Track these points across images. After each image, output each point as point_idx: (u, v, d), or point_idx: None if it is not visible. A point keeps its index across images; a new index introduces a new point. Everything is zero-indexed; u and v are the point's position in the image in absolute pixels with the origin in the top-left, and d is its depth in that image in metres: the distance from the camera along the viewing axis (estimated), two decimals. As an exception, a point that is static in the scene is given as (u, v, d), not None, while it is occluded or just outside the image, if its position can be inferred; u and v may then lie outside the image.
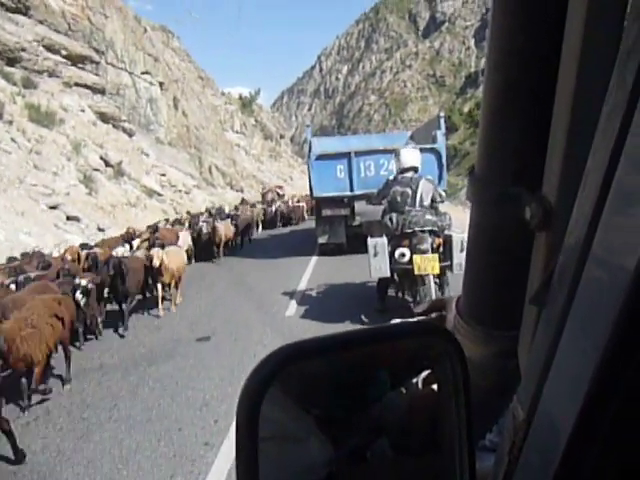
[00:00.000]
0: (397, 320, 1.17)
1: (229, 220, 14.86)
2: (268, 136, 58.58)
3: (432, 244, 5.71)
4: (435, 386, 0.62)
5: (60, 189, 17.94)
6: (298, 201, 24.59)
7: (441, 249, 5.80)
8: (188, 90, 41.71)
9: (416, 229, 5.70)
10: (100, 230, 17.17)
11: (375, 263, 5.96)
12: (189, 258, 11.18)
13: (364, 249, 9.10)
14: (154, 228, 12.68)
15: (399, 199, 5.90)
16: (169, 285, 7.84)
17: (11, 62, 22.42)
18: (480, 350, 0.62)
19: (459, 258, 5.51)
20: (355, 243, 11.27)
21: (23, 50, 23.06)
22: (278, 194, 28.94)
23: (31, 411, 4.36)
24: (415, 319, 0.99)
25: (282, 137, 65.47)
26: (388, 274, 6.00)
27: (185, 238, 11.73)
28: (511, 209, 0.52)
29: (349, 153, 10.95)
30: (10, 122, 19.40)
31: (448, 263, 5.71)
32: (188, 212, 20.26)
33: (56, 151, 20.32)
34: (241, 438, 0.46)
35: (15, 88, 21.68)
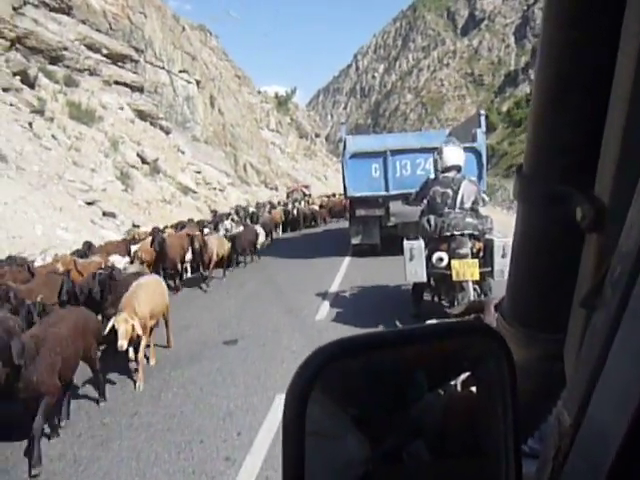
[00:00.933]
0: (433, 321, 1.24)
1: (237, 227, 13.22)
2: (303, 134, 58.59)
3: (472, 248, 5.38)
4: (474, 388, 0.62)
5: (97, 185, 18.19)
6: (321, 206, 23.62)
7: (481, 254, 5.45)
8: (225, 88, 42.00)
9: (455, 232, 5.37)
10: (135, 226, 17.32)
11: (411, 267, 5.66)
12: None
13: (398, 251, 8.76)
14: (155, 231, 10.60)
15: (439, 200, 5.58)
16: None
17: (54, 61, 22.91)
18: (523, 352, 0.61)
19: (501, 264, 5.14)
20: (389, 244, 10.95)
21: (65, 49, 23.54)
22: (304, 194, 28.15)
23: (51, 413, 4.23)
24: (451, 320, 1.07)
25: (317, 136, 65.41)
26: (424, 279, 5.68)
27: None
28: (561, 209, 0.51)
29: (385, 152, 10.64)
30: (51, 119, 19.78)
31: (489, 269, 5.35)
32: (214, 211, 19.87)
33: (94, 148, 20.64)
34: (288, 435, 0.47)
35: (57, 86, 22.14)
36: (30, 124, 18.10)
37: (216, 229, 13.33)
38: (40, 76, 21.09)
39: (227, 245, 10.96)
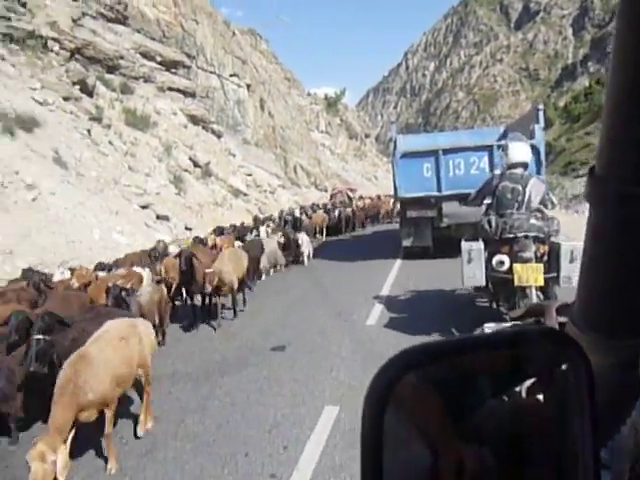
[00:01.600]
0: (491, 324, 1.32)
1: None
2: (353, 135, 58.31)
3: (536, 252, 4.99)
4: (541, 396, 0.60)
5: (151, 189, 18.62)
6: (363, 207, 22.72)
7: (545, 258, 5.05)
8: (274, 91, 42.34)
9: (518, 234, 5.00)
10: (187, 229, 17.64)
11: (469, 270, 5.34)
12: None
13: (452, 253, 8.42)
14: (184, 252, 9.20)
15: (509, 196, 5.21)
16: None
17: (111, 69, 23.68)
18: (596, 360, 0.59)
19: (567, 270, 4.75)
20: (442, 247, 10.59)
21: (121, 58, 24.29)
22: (349, 197, 26.28)
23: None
24: (509, 324, 1.08)
25: (367, 136, 64.98)
26: (483, 283, 5.35)
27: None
28: (635, 210, 0.51)
29: (437, 151, 10.30)
30: (108, 126, 20.44)
31: (554, 275, 4.94)
32: (255, 218, 18.52)
33: (149, 153, 21.18)
34: (366, 443, 0.48)
35: (114, 94, 22.87)
36: (89, 131, 18.75)
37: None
38: (98, 84, 21.83)
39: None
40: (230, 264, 7.40)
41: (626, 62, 0.51)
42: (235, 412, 4.19)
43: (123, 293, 5.70)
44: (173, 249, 10.67)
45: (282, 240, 11.70)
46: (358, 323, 6.54)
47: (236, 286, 7.42)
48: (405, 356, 0.51)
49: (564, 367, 0.54)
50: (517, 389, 0.65)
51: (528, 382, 0.64)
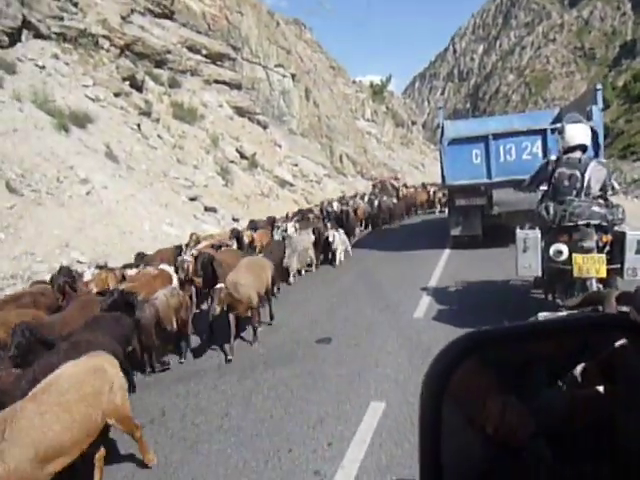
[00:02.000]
0: (545, 313, 1.45)
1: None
2: (399, 123, 57.47)
3: (598, 242, 4.66)
4: (600, 388, 0.56)
5: (199, 181, 18.91)
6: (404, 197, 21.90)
7: (607, 248, 4.71)
8: (319, 80, 42.15)
9: (579, 222, 4.68)
10: (235, 220, 17.82)
11: (524, 259, 5.05)
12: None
13: (503, 242, 8.09)
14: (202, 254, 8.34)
15: (566, 183, 4.88)
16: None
17: (159, 64, 24.13)
18: None
19: (633, 261, 4.42)
20: (492, 236, 10.25)
21: (169, 52, 24.70)
22: (394, 186, 24.68)
23: (149, 411, 4.27)
24: (564, 313, 1.25)
25: (414, 123, 63.91)
26: (539, 273, 5.06)
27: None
28: None
29: (486, 136, 9.90)
30: (157, 120, 20.86)
31: (617, 266, 4.61)
32: (287, 215, 16.40)
33: (196, 145, 21.51)
34: (425, 427, 0.48)
35: (162, 88, 23.31)
36: (138, 125, 19.18)
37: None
38: (147, 79, 22.29)
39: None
40: (249, 276, 6.05)
41: None
42: (279, 407, 4.14)
43: (130, 298, 5.17)
44: (205, 244, 9.88)
45: (313, 237, 10.40)
46: (405, 316, 6.37)
47: (256, 303, 5.98)
48: (464, 341, 0.51)
49: (630, 356, 0.51)
50: (576, 379, 0.61)
51: (588, 372, 0.60)
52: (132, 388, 4.32)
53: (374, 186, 26.08)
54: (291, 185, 25.28)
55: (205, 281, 6.58)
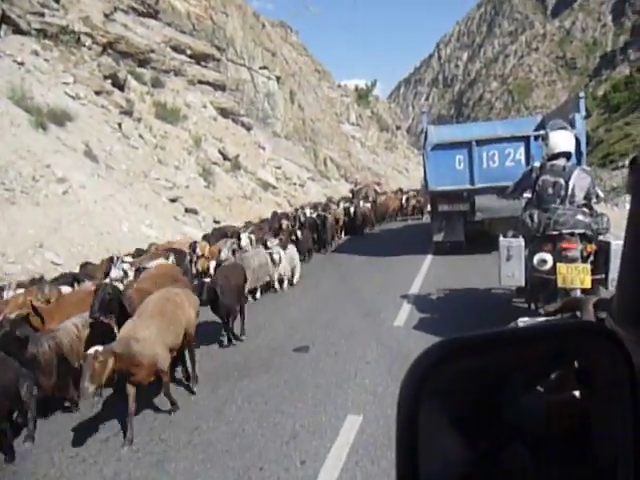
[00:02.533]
0: (525, 319, 1.46)
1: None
2: (384, 127, 57.61)
3: (582, 251, 4.57)
4: (577, 392, 0.58)
5: (180, 182, 18.63)
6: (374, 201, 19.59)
7: (591, 258, 4.62)
8: (304, 83, 42.05)
9: (563, 231, 4.58)
10: (216, 222, 17.58)
11: (507, 269, 4.95)
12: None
13: (485, 249, 8.02)
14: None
15: (550, 191, 4.76)
16: None
17: (142, 63, 23.81)
18: (636, 355, 0.57)
19: (617, 272, 4.32)
20: (475, 242, 10.20)
21: (152, 51, 24.40)
22: (376, 192, 23.55)
23: (114, 424, 4.06)
24: (543, 319, 1.17)
25: (398, 128, 64.13)
26: (522, 282, 4.96)
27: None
28: None
29: (470, 142, 9.86)
30: (139, 119, 20.53)
31: (602, 276, 4.51)
32: (247, 223, 14.52)
33: (178, 146, 21.21)
34: (402, 433, 0.48)
35: (145, 87, 22.99)
36: (119, 125, 18.85)
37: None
38: (129, 78, 21.95)
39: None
40: (153, 325, 4.15)
41: None
42: (252, 419, 3.96)
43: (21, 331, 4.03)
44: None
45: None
46: (386, 324, 6.24)
47: (166, 364, 4.14)
48: (441, 347, 0.50)
49: (604, 362, 0.51)
50: (553, 384, 0.60)
51: (564, 377, 0.59)
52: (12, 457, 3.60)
53: (355, 193, 23.61)
54: (274, 188, 25.09)
55: (117, 321, 4.83)
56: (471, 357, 0.52)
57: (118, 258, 8.04)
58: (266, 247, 8.79)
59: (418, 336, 5.52)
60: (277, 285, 8.83)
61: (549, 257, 4.60)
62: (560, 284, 4.45)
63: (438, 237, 10.85)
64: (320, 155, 36.34)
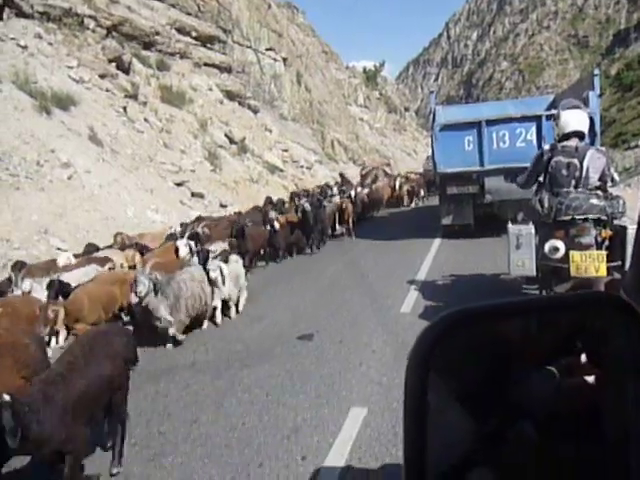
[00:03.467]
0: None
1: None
2: (392, 109, 56.97)
3: (597, 237, 4.33)
4: (590, 378, 0.57)
5: (186, 166, 18.48)
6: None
7: (606, 243, 4.37)
8: (312, 65, 41.50)
9: (576, 216, 4.33)
10: (222, 206, 17.47)
11: (517, 257, 4.73)
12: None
13: (495, 232, 7.81)
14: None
15: (564, 172, 4.49)
16: None
17: (147, 46, 23.52)
18: None
19: None
20: (484, 225, 10.00)
21: (157, 34, 24.07)
22: (386, 173, 21.98)
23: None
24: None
25: (407, 110, 63.41)
26: (534, 272, 4.75)
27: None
28: None
29: (479, 122, 9.59)
30: (144, 103, 20.33)
31: (618, 263, 4.25)
32: (238, 213, 13.10)
33: (184, 129, 21.02)
34: (410, 407, 0.48)
35: (150, 70, 22.73)
36: (124, 108, 18.67)
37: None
38: (134, 61, 21.70)
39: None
40: None
41: None
42: (252, 412, 3.83)
43: None
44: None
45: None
46: (392, 310, 6.08)
47: None
48: (449, 318, 0.50)
49: (619, 334, 0.50)
50: (566, 365, 0.58)
51: (577, 359, 0.58)
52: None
53: (364, 176, 22.03)
54: (281, 171, 24.87)
55: None
56: (480, 327, 0.51)
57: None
58: (201, 262, 6.47)
59: (425, 324, 5.34)
60: (219, 317, 6.26)
61: (561, 244, 4.37)
62: (573, 273, 4.23)
63: (447, 220, 10.64)
64: (327, 138, 35.97)
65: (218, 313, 6.24)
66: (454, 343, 0.50)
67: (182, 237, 7.88)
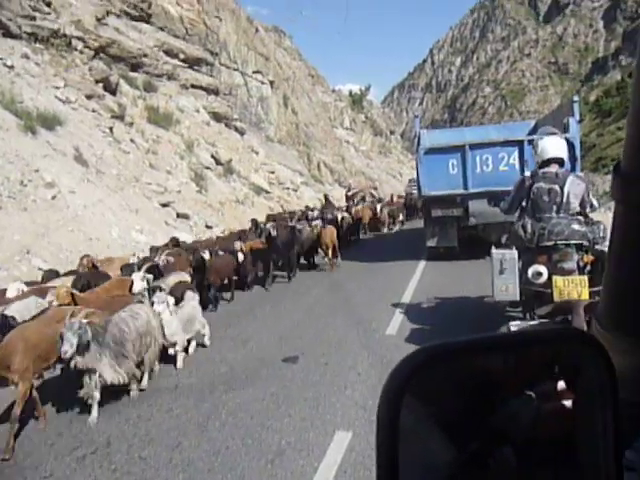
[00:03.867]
0: (517, 322, 1.52)
1: None
2: (378, 132, 57.66)
3: (579, 262, 4.40)
4: (568, 401, 0.59)
5: (172, 187, 18.45)
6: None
7: (589, 268, 4.45)
8: (298, 88, 41.99)
9: (558, 242, 4.39)
10: (208, 227, 17.43)
11: (500, 282, 4.76)
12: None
13: (479, 254, 7.89)
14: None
15: (546, 198, 4.56)
16: None
17: (134, 67, 23.65)
18: (622, 360, 0.58)
19: None
20: (469, 247, 10.09)
21: (145, 56, 24.24)
22: (373, 196, 21.66)
23: (93, 440, 3.88)
24: (536, 322, 1.24)
25: (392, 133, 64.19)
26: (517, 297, 4.79)
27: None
28: None
29: (463, 146, 9.78)
30: (131, 124, 20.36)
31: (600, 288, 4.33)
32: (156, 248, 9.97)
33: (171, 151, 21.04)
34: (382, 438, 0.47)
35: (137, 92, 22.82)
36: (111, 129, 18.67)
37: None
38: (121, 83, 21.78)
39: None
40: None
41: None
42: (236, 436, 3.78)
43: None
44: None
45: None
46: (377, 333, 6.08)
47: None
48: (423, 353, 0.50)
49: (587, 368, 0.52)
50: (544, 390, 0.60)
51: (557, 383, 0.60)
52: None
53: (349, 198, 21.19)
54: (267, 192, 24.94)
55: None
56: (455, 363, 0.51)
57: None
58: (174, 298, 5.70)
59: (410, 346, 5.36)
60: (156, 366, 5.24)
61: (544, 269, 4.42)
62: (556, 297, 4.26)
63: (432, 242, 10.74)
64: (314, 160, 36.24)
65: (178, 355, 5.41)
66: (432, 375, 0.50)
67: (139, 269, 6.72)
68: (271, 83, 34.46)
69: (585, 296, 4.18)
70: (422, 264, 10.48)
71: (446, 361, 0.51)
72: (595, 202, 4.78)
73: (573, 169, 8.62)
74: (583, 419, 0.54)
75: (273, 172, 27.90)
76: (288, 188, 28.04)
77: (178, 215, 16.89)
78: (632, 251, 0.58)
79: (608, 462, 0.51)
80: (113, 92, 20.90)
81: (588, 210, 4.66)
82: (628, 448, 0.62)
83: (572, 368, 0.55)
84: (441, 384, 0.54)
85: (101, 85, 20.35)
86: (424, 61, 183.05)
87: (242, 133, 28.98)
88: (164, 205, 16.83)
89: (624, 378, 0.55)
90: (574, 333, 0.62)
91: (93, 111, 18.82)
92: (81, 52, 20.98)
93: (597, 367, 0.52)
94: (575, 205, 4.56)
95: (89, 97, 19.18)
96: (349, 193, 22.31)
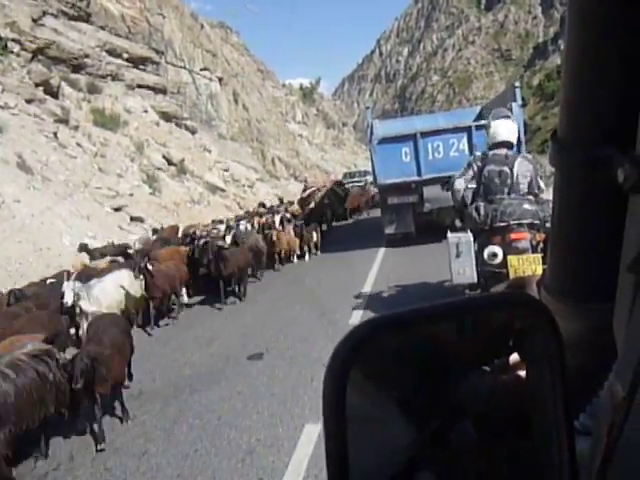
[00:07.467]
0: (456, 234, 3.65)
1: None
2: (330, 125, 57.84)
3: (532, 241, 4.51)
4: (521, 370, 0.60)
5: (124, 190, 17.98)
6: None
7: (541, 246, 4.55)
8: (248, 84, 41.58)
9: (511, 222, 4.49)
10: (163, 229, 17.08)
11: (458, 266, 4.85)
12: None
13: (436, 238, 8.04)
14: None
15: (497, 181, 4.66)
16: None
17: (76, 69, 22.85)
18: (570, 325, 0.59)
19: None
20: (425, 232, 10.26)
21: (87, 56, 23.45)
22: (341, 185, 20.14)
23: (55, 455, 3.74)
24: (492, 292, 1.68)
25: (345, 125, 64.53)
26: (475, 279, 4.88)
27: None
28: (601, 172, 0.50)
29: (414, 134, 9.98)
30: (76, 127, 19.69)
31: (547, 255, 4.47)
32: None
33: (120, 153, 20.48)
34: (329, 422, 0.45)
35: (80, 94, 22.08)
36: (55, 134, 18.01)
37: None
38: (63, 85, 21.03)
39: None
40: None
41: (584, 22, 0.49)
42: (205, 438, 3.72)
43: None
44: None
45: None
46: (341, 322, 6.09)
47: None
48: (369, 324, 0.47)
49: (536, 335, 0.52)
50: (499, 363, 0.60)
51: (511, 355, 0.59)
52: None
53: (306, 196, 17.77)
54: (222, 190, 24.64)
55: None
56: (404, 334, 0.49)
57: None
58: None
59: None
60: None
61: (499, 250, 4.52)
62: (512, 276, 4.33)
63: (389, 229, 10.91)
64: (268, 155, 36.02)
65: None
66: (381, 350, 0.47)
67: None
68: (220, 80, 33.99)
69: (539, 273, 4.31)
70: (382, 251, 10.59)
71: (394, 332, 0.49)
72: (542, 184, 4.92)
73: (519, 151, 8.87)
74: (534, 388, 0.54)
75: (227, 170, 27.58)
76: (244, 185, 27.80)
77: (132, 219, 16.49)
78: (571, 216, 0.58)
79: (559, 429, 0.51)
80: (55, 95, 20.14)
81: (535, 188, 4.77)
82: (583, 412, 0.63)
83: (524, 339, 0.54)
84: (392, 360, 0.52)
85: (41, 88, 19.56)
86: (372, 52, 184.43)
87: (193, 132, 28.49)
88: (117, 209, 16.39)
89: (570, 344, 0.55)
90: (520, 298, 0.61)
91: (35, 116, 18.10)
92: (18, 55, 20.11)
93: (545, 333, 0.52)
94: (524, 186, 4.68)
95: (29, 101, 18.42)
96: (304, 194, 18.64)
